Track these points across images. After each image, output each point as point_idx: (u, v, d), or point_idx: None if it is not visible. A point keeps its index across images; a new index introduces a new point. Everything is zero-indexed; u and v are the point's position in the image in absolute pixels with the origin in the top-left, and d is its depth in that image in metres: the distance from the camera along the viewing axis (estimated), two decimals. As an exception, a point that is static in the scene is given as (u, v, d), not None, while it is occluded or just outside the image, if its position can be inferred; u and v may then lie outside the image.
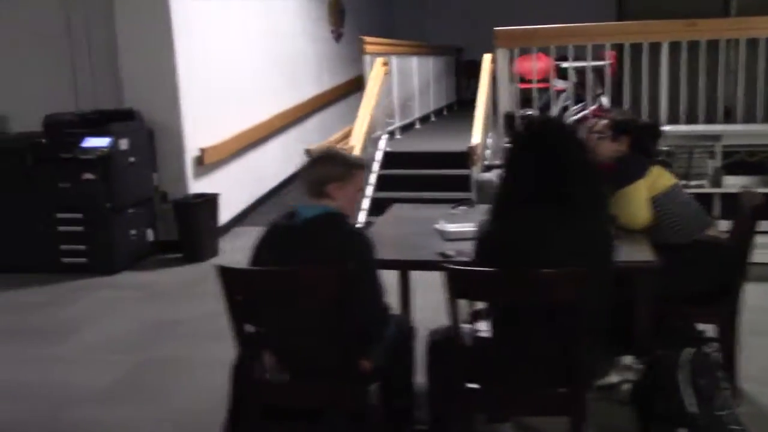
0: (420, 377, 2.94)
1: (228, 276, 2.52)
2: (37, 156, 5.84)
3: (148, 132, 6.20)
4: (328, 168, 2.77)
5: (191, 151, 6.40)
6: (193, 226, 6.16)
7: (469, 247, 2.72)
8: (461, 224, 3.38)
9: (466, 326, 2.74)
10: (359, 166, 2.89)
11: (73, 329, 4.74)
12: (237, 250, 6.21)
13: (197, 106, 6.46)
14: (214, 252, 6.19)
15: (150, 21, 6.15)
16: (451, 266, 2.44)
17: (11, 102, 6.67)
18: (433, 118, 10.52)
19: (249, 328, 2.67)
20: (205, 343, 4.36)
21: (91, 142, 5.80)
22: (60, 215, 5.85)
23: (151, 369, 4.09)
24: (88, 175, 5.75)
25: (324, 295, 2.48)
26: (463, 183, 6.55)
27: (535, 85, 6.60)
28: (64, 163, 5.77)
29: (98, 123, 5.90)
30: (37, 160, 5.84)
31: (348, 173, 2.78)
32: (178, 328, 4.68)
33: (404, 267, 3.51)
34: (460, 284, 2.43)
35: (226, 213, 6.70)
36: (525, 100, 6.77)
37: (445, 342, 2.71)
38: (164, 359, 4.22)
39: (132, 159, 5.98)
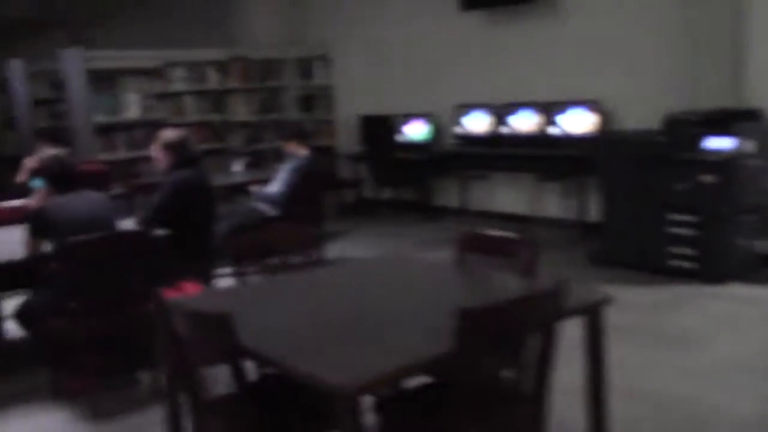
0: None
1: None
2: (655, 154, 5.76)
3: (773, 133, 5.66)
4: None
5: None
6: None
7: None
8: None
9: None
10: None
11: (692, 340, 4.50)
12: None
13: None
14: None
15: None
16: None
17: (625, 98, 6.79)
18: None
19: None
20: None
21: (713, 142, 5.52)
22: (673, 216, 5.69)
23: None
24: (707, 177, 5.47)
25: None
26: None
27: None
28: (682, 163, 5.60)
29: (720, 122, 5.57)
30: (654, 159, 5.77)
31: None
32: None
33: None
34: None
35: None
36: None
37: None
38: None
39: (756, 162, 5.52)
